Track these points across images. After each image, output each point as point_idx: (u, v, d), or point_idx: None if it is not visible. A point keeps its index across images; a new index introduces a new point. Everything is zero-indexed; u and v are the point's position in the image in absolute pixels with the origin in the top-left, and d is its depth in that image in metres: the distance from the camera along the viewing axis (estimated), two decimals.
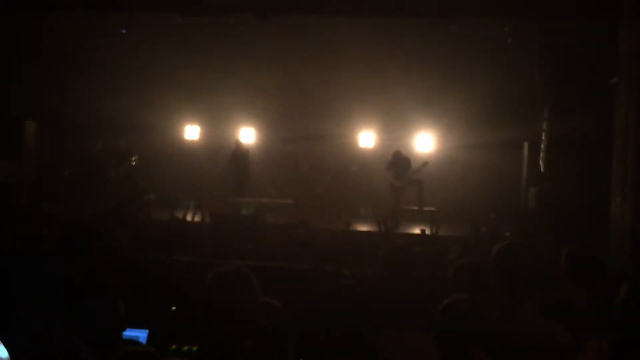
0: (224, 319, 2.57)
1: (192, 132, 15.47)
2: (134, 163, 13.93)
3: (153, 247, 6.66)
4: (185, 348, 4.32)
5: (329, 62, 14.15)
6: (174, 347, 4.32)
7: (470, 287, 3.62)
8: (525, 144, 12.80)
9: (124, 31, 14.22)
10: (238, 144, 13.98)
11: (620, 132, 8.02)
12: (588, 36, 10.02)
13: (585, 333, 3.53)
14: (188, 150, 15.18)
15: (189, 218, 8.79)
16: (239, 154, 13.75)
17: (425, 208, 13.15)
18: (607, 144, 8.23)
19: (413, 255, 4.96)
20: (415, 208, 13.30)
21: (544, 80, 11.67)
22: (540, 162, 11.74)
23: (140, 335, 4.25)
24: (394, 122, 14.72)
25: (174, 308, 4.86)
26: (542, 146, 11.71)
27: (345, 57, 14.02)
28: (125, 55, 14.12)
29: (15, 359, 1.66)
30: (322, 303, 2.97)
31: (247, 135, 15.25)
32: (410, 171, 13.39)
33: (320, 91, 14.24)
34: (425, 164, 13.36)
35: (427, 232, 8.67)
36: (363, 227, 11.90)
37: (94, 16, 12.98)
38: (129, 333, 3.96)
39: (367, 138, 15.18)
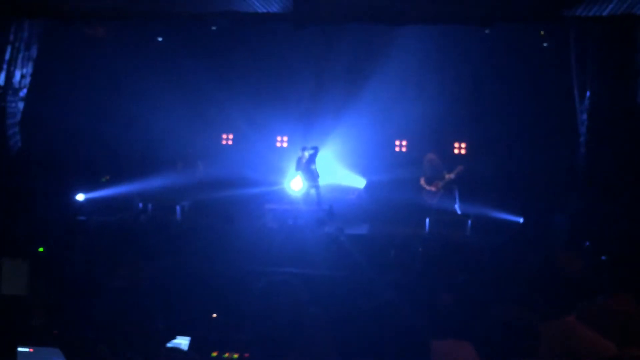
0: (273, 328, 2.60)
1: (227, 139, 15.66)
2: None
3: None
4: (226, 355, 4.36)
5: (361, 70, 14.17)
6: (215, 354, 4.35)
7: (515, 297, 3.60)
8: (563, 148, 12.64)
9: (159, 39, 14.39)
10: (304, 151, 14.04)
11: None
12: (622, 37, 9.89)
13: (628, 344, 3.49)
14: (223, 156, 15.29)
15: None
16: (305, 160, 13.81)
17: (460, 212, 13.04)
18: None
19: None
20: (451, 212, 13.17)
21: (581, 84, 11.53)
22: (579, 167, 11.59)
23: (182, 342, 4.30)
24: (428, 127, 14.64)
25: (214, 316, 4.91)
26: (581, 150, 11.57)
27: (377, 63, 14.03)
28: (161, 63, 14.31)
29: None
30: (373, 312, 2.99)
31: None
32: (444, 176, 13.29)
33: (352, 98, 14.25)
34: (460, 168, 13.25)
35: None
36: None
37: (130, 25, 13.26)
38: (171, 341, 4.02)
39: (400, 144, 15.20)
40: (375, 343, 3.00)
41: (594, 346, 3.33)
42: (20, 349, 2.71)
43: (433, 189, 13.33)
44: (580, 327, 3.45)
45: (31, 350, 2.69)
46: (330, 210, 12.90)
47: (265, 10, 8.70)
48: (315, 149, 13.54)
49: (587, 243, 8.49)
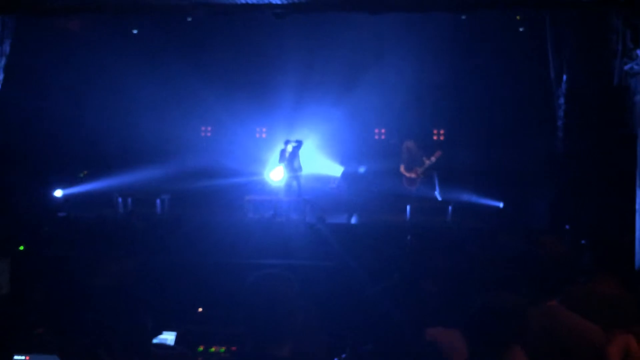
0: (265, 323, 2.59)
1: (205, 131, 15.61)
2: None
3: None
4: (213, 349, 4.35)
5: (341, 58, 14.14)
6: (201, 348, 4.35)
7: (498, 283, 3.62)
8: (541, 132, 12.70)
9: (135, 32, 14.25)
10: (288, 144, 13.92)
11: None
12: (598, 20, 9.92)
13: (612, 326, 3.52)
14: (202, 148, 15.23)
15: None
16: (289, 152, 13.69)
17: (441, 199, 13.10)
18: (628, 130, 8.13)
19: None
20: (431, 199, 13.21)
21: (558, 68, 11.58)
22: (557, 150, 11.66)
23: (169, 337, 4.28)
24: (407, 115, 14.67)
25: (200, 310, 4.90)
26: (559, 134, 11.63)
27: (357, 52, 14.03)
28: (136, 56, 14.18)
29: None
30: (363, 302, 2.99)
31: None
32: (424, 162, 13.30)
33: (332, 87, 14.23)
34: (438, 154, 13.24)
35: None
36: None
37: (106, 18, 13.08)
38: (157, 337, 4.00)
39: (379, 132, 15.25)
40: (365, 333, 3.01)
41: (579, 329, 3.37)
42: (16, 357, 2.69)
43: (413, 175, 13.35)
44: (563, 311, 3.49)
45: (27, 358, 2.67)
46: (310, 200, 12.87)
47: (244, 1, 8.61)
48: (299, 142, 13.47)
49: (567, 227, 8.58)
